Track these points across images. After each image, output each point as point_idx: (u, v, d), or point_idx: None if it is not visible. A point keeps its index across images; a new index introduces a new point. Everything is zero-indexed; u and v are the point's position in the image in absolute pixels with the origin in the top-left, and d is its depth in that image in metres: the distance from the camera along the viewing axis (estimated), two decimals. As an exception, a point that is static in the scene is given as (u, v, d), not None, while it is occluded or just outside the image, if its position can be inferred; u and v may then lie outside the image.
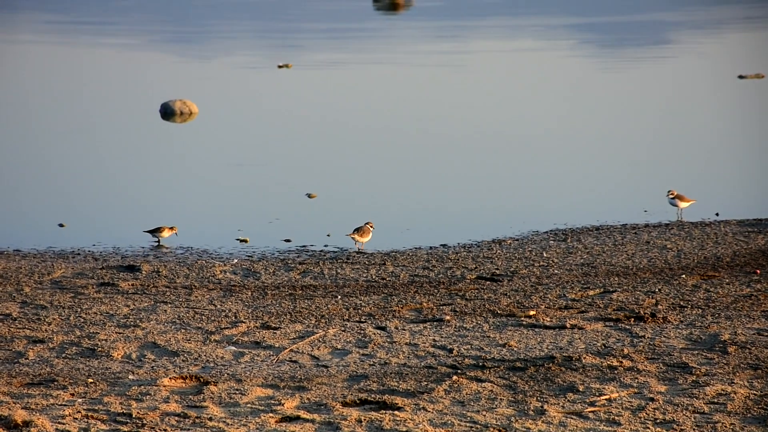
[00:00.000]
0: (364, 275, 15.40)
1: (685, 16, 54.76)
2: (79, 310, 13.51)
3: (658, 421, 10.02)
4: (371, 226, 17.03)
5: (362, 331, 12.64)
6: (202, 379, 10.96)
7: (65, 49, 42.60)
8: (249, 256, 16.50)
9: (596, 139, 25.88)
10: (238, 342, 12.31)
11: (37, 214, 19.02)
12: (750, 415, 10.15)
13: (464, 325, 12.89)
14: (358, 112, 29.54)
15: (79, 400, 10.41)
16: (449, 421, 9.97)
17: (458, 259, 16.19)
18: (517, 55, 41.30)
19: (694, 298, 13.95)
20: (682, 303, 13.76)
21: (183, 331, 12.71)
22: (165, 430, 9.72)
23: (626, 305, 13.68)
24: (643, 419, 10.05)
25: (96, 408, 10.18)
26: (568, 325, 12.81)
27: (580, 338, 12.38)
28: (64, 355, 11.86)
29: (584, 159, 23.68)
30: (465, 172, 22.22)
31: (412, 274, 15.44)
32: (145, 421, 9.88)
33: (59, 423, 9.80)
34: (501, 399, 10.53)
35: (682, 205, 18.80)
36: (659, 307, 13.60)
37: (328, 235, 17.69)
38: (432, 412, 10.19)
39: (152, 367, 11.47)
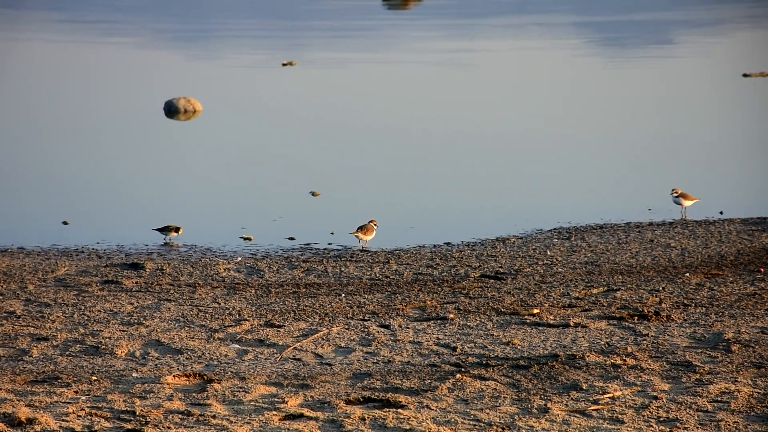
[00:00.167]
0: (368, 273, 15.40)
1: (689, 14, 54.71)
2: (82, 307, 13.52)
3: (661, 419, 10.02)
4: (375, 224, 17.03)
5: (366, 329, 12.65)
6: (205, 377, 10.97)
7: (70, 47, 42.62)
8: (253, 254, 16.50)
9: (600, 137, 25.87)
10: (242, 340, 12.32)
11: (40, 211, 19.04)
12: (753, 414, 10.15)
13: (468, 324, 12.89)
14: (363, 110, 29.54)
15: (83, 397, 10.41)
16: (453, 420, 9.97)
17: (462, 258, 16.19)
18: (521, 54, 41.28)
19: (697, 297, 13.94)
20: (685, 301, 13.75)
21: (187, 329, 12.72)
22: (168, 427, 9.73)
23: (630, 304, 13.67)
24: (646, 417, 10.05)
25: (100, 405, 10.18)
26: (571, 324, 12.81)
27: (583, 336, 12.37)
28: (67, 352, 11.87)
29: (588, 157, 23.67)
30: (469, 171, 22.21)
31: (415, 273, 15.44)
32: (148, 419, 9.89)
33: (63, 420, 9.81)
34: (504, 397, 10.53)
35: (686, 203, 18.79)
36: (663, 305, 13.59)
37: (332, 234, 17.69)
38: (435, 411, 10.19)
39: (156, 364, 11.48)
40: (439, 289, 14.51)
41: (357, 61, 38.48)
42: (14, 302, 13.71)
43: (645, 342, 12.11)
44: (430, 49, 41.46)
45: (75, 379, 10.94)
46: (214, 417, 9.97)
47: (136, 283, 14.74)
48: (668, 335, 12.37)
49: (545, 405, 10.31)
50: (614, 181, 21.43)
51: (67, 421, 9.78)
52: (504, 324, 12.89)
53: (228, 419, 9.93)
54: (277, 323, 12.90)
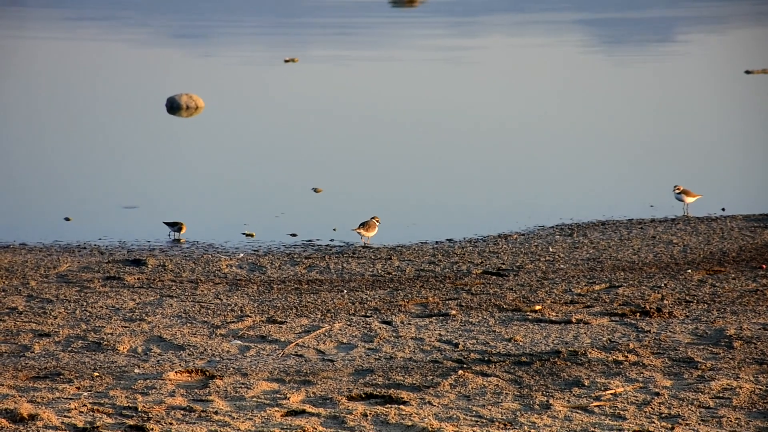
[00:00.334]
0: (370, 270, 15.40)
1: (691, 11, 54.67)
2: (84, 303, 13.52)
3: (663, 415, 10.01)
4: (377, 221, 17.02)
5: (368, 326, 12.65)
6: (207, 373, 10.97)
7: (72, 44, 42.62)
8: (255, 251, 16.50)
9: (603, 134, 25.85)
10: (244, 336, 12.32)
11: (43, 207, 19.04)
12: (755, 410, 10.14)
13: (470, 320, 12.89)
14: (365, 107, 29.53)
15: (85, 393, 10.41)
16: (455, 416, 9.97)
17: (464, 254, 16.19)
18: (524, 51, 41.26)
19: (699, 293, 13.94)
20: (687, 298, 13.75)
21: (189, 325, 12.72)
22: (171, 423, 9.72)
23: (632, 300, 13.67)
24: (648, 414, 10.05)
25: (102, 401, 10.18)
26: (573, 320, 12.81)
27: (585, 333, 12.37)
28: (69, 348, 11.87)
29: (590, 154, 23.65)
30: (471, 167, 22.21)
31: (417, 269, 15.44)
32: (150, 415, 9.89)
33: (65, 416, 9.81)
34: (506, 393, 10.53)
35: (688, 200, 18.78)
36: (665, 302, 13.58)
37: (334, 230, 17.69)
38: (437, 407, 10.19)
39: (158, 360, 11.48)
40: (441, 285, 14.50)
41: (360, 57, 38.47)
42: (16, 298, 13.71)
43: (647, 338, 12.11)
44: (434, 47, 41.44)
45: (77, 375, 10.94)
46: (216, 413, 9.97)
47: (138, 279, 14.74)
48: (670, 332, 12.36)
49: (547, 401, 10.31)
50: (616, 177, 21.42)
51: (69, 417, 9.78)
52: (506, 320, 12.89)
53: (230, 415, 9.93)
54: (279, 319, 12.90)
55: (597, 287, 14.30)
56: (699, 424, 9.84)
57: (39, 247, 16.57)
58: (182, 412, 9.98)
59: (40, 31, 46.37)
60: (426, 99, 30.50)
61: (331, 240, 17.26)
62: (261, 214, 18.72)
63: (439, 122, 26.95)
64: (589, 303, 13.57)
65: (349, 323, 12.76)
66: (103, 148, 23.88)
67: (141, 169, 21.92)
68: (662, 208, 19.05)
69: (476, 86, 32.91)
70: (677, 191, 18.76)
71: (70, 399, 10.24)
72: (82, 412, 9.92)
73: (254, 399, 10.31)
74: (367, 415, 9.92)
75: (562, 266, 15.47)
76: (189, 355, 11.68)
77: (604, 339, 12.14)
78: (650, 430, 9.68)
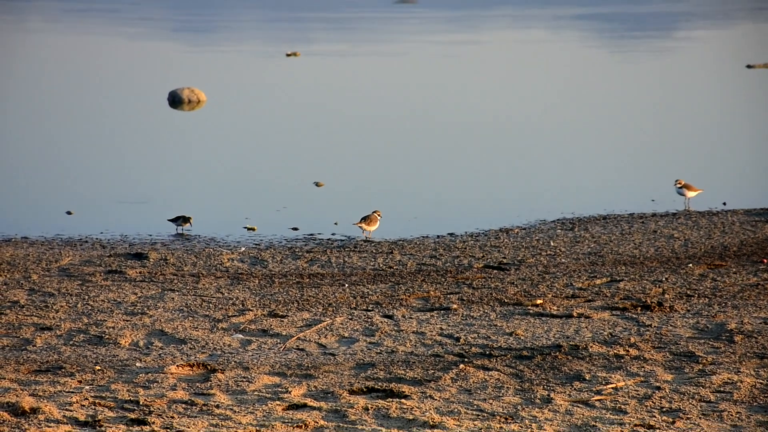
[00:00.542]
0: (372, 264, 15.40)
1: (693, 6, 54.60)
2: (86, 297, 13.52)
3: (664, 409, 10.01)
4: (379, 215, 17.02)
5: (369, 320, 12.65)
6: (209, 367, 10.97)
7: (75, 37, 42.58)
8: (256, 245, 16.50)
9: (604, 128, 25.83)
10: (246, 330, 12.32)
11: (44, 201, 19.04)
12: (756, 404, 10.14)
13: (471, 314, 12.89)
14: (366, 101, 29.51)
15: (87, 387, 10.41)
16: (456, 410, 9.97)
17: (465, 248, 16.18)
18: (526, 45, 41.21)
19: (700, 288, 13.94)
20: (688, 292, 13.74)
21: (190, 318, 12.72)
22: (172, 417, 9.72)
23: (633, 294, 13.66)
24: (649, 408, 10.05)
25: (103, 395, 10.18)
26: (574, 314, 12.81)
27: (586, 327, 12.37)
28: (71, 342, 11.87)
29: (592, 148, 23.64)
30: (472, 161, 22.20)
31: (419, 263, 15.44)
32: (152, 409, 9.89)
33: (66, 410, 9.80)
34: (508, 387, 10.53)
35: (690, 194, 18.77)
36: (666, 296, 13.58)
37: (336, 224, 17.69)
38: (439, 401, 10.19)
39: (159, 354, 11.48)
40: (443, 279, 14.50)
41: (361, 52, 38.43)
42: (18, 292, 13.71)
43: (648, 332, 12.11)
44: (436, 41, 41.40)
45: (79, 368, 10.94)
46: (217, 407, 9.97)
47: (140, 273, 14.74)
48: (671, 326, 12.36)
49: (548, 395, 10.31)
50: (618, 172, 21.41)
51: (71, 411, 9.77)
52: (507, 314, 12.89)
53: (231, 409, 9.93)
54: (281, 313, 12.90)
55: (598, 281, 14.30)
56: (700, 418, 9.84)
57: (41, 241, 16.57)
58: (184, 405, 9.98)
59: (40, 23, 46.33)
60: (428, 93, 30.47)
61: (332, 234, 17.26)
62: (262, 208, 18.72)
63: (440, 116, 26.94)
64: (590, 297, 13.57)
65: (350, 317, 12.76)
66: (105, 142, 23.87)
67: (143, 163, 21.92)
68: (663, 202, 19.04)
69: (478, 81, 32.88)
70: (678, 186, 18.75)
71: (72, 392, 10.24)
72: (84, 405, 9.92)
73: (255, 393, 10.31)
74: (368, 409, 9.92)
75: (563, 260, 15.47)
76: (190, 348, 11.68)
77: (606, 333, 12.14)
78: (651, 424, 9.67)
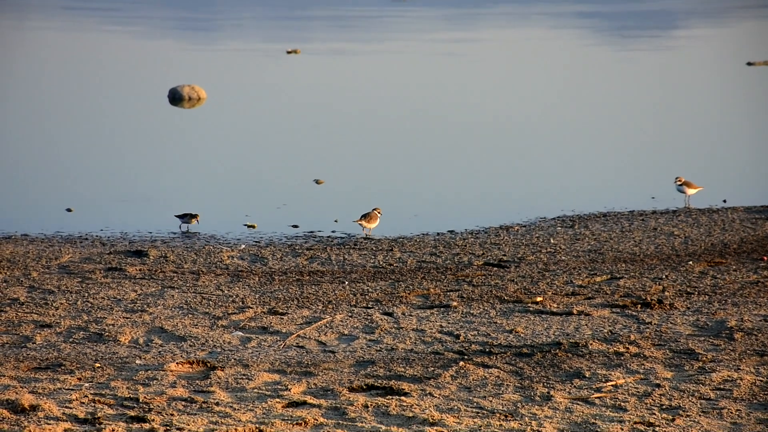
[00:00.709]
0: (372, 261, 15.38)
1: (693, 3, 54.56)
2: (86, 294, 13.51)
3: (664, 407, 10.00)
4: (379, 212, 17.00)
5: (369, 317, 12.63)
6: (209, 364, 10.95)
7: (75, 34, 42.56)
8: (256, 242, 16.48)
9: (604, 125, 25.81)
10: (245, 327, 12.31)
11: (44, 198, 19.02)
12: (756, 401, 10.13)
13: (471, 311, 12.87)
14: (366, 99, 29.48)
15: (86, 384, 10.40)
16: (456, 407, 9.95)
17: (465, 246, 16.17)
18: (525, 42, 41.19)
19: (701, 285, 13.92)
20: (689, 289, 13.73)
21: (190, 316, 12.71)
22: (172, 414, 9.71)
23: (633, 292, 13.65)
24: (649, 405, 10.03)
25: (103, 392, 10.16)
26: (574, 312, 12.79)
27: (586, 324, 12.36)
28: (71, 339, 11.86)
29: (592, 146, 23.63)
30: (473, 159, 22.18)
31: (419, 260, 15.42)
32: (152, 406, 9.87)
33: (66, 407, 9.79)
34: (507, 385, 10.52)
35: (690, 191, 18.75)
36: (666, 293, 13.57)
37: (336, 221, 17.67)
38: (438, 398, 10.18)
39: (159, 352, 11.47)
40: (443, 276, 14.49)
41: (361, 49, 38.41)
42: (18, 289, 13.70)
43: (648, 330, 12.09)
44: (436, 39, 41.37)
45: (78, 366, 10.92)
46: (217, 404, 9.95)
47: (140, 270, 14.72)
48: (671, 323, 12.35)
49: (548, 393, 10.29)
50: (618, 169, 21.40)
51: (71, 408, 9.76)
52: (507, 312, 12.88)
53: (231, 406, 9.91)
54: (281, 311, 12.89)
55: (598, 279, 14.29)
56: (700, 415, 9.82)
57: (41, 238, 16.55)
58: (183, 403, 9.97)
59: (40, 21, 46.30)
60: (428, 91, 30.45)
61: (332, 231, 17.24)
62: (262, 206, 18.70)
63: (440, 114, 26.92)
64: (590, 294, 13.56)
65: (350, 315, 12.75)
66: (105, 140, 23.86)
67: (143, 161, 21.90)
68: (664, 199, 19.02)
69: (478, 78, 32.86)
70: (679, 183, 18.73)
71: (72, 390, 10.22)
72: (84, 403, 9.91)
73: (255, 390, 10.30)
74: (368, 407, 9.91)
75: (563, 258, 15.46)
76: (190, 346, 11.67)
77: (605, 330, 12.12)
78: (651, 421, 9.66)
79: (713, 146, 23.57)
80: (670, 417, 9.78)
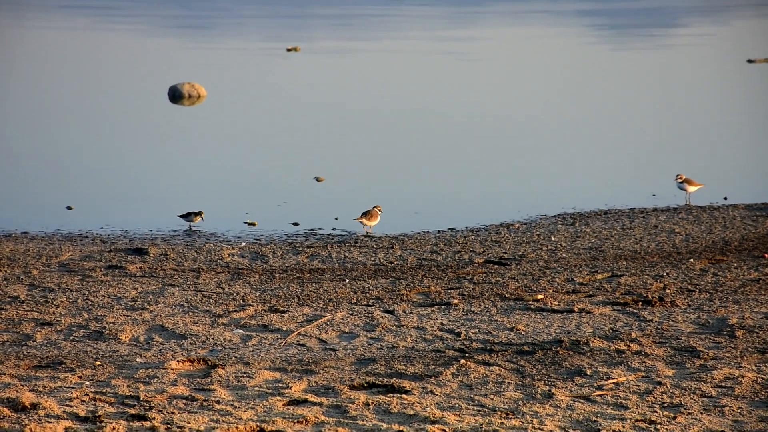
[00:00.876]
0: (372, 259, 15.36)
1: (694, 1, 54.52)
2: (86, 292, 13.49)
3: (665, 404, 9.98)
4: (379, 210, 16.98)
5: (370, 315, 12.61)
6: (209, 362, 10.93)
7: (75, 33, 42.52)
8: (257, 240, 16.46)
9: (605, 123, 25.80)
10: (246, 325, 12.28)
11: (45, 196, 19.00)
12: (758, 399, 10.11)
13: (472, 309, 12.86)
14: (367, 96, 29.46)
15: (87, 382, 10.38)
16: (457, 405, 9.93)
17: (466, 243, 16.15)
18: (526, 40, 41.16)
19: (702, 282, 13.90)
20: (690, 287, 13.71)
21: (191, 314, 12.69)
22: (172, 413, 9.69)
23: (634, 289, 13.63)
24: (650, 403, 10.01)
25: (104, 391, 10.14)
26: (575, 309, 12.77)
27: (587, 322, 12.34)
28: (71, 337, 11.84)
29: (593, 143, 23.61)
30: (473, 156, 22.16)
31: (420, 258, 15.40)
32: (152, 404, 9.85)
33: (67, 405, 9.77)
34: (509, 383, 10.50)
35: (691, 189, 18.73)
36: (667, 291, 13.55)
37: (336, 219, 17.65)
38: (440, 396, 10.16)
39: (160, 350, 11.45)
40: (444, 274, 14.47)
41: (362, 46, 38.37)
42: (18, 287, 13.68)
43: (649, 327, 12.07)
44: (436, 37, 41.34)
45: (79, 364, 10.90)
46: (218, 402, 9.93)
47: (140, 268, 14.70)
48: (672, 321, 12.33)
49: (549, 390, 10.27)
50: (618, 166, 21.38)
51: (71, 407, 9.73)
52: (508, 309, 12.85)
53: (232, 404, 9.89)
54: (281, 308, 12.87)
55: (599, 276, 14.27)
56: (701, 413, 9.81)
57: (41, 236, 16.53)
58: (184, 401, 9.94)
59: (42, 20, 46.26)
60: (428, 89, 30.43)
61: (333, 229, 17.22)
62: (263, 203, 18.68)
63: (440, 112, 26.89)
64: (591, 292, 13.54)
65: (351, 312, 12.73)
66: (105, 137, 23.83)
67: (143, 159, 21.88)
68: (664, 197, 19.00)
69: (478, 76, 32.84)
70: (679, 180, 18.71)
71: (72, 388, 10.20)
72: (84, 401, 9.88)
73: (256, 388, 10.28)
74: (369, 405, 9.89)
75: (564, 255, 15.44)
76: (191, 344, 11.65)
77: (606, 328, 12.11)
78: (653, 419, 9.64)
79: (714, 143, 23.55)
80: (672, 415, 9.76)
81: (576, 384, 10.44)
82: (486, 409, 9.85)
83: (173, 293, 13.50)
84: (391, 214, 17.68)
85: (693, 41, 40.03)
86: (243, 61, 35.19)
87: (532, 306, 12.98)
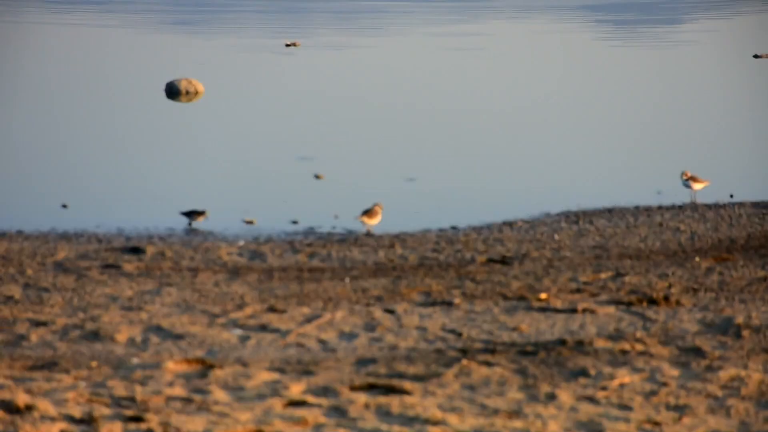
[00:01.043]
0: (373, 258, 15.25)
1: (697, -4, 54.44)
2: (82, 292, 13.39)
3: (670, 405, 9.92)
4: (380, 208, 16.85)
5: (370, 315, 12.52)
6: (207, 363, 10.85)
7: (70, 28, 42.48)
8: (255, 238, 16.35)
9: (609, 119, 25.74)
10: (244, 325, 12.19)
11: (39, 194, 18.92)
12: (764, 400, 10.06)
13: (474, 309, 12.76)
14: (367, 92, 29.40)
15: (83, 383, 10.30)
16: (458, 406, 9.84)
17: (468, 242, 16.04)
18: (529, 35, 41.13)
19: (707, 281, 13.82)
20: (695, 286, 13.62)
21: (188, 314, 12.59)
22: (169, 414, 9.60)
23: (639, 288, 13.54)
24: (655, 404, 9.95)
25: (99, 392, 10.07)
26: (579, 309, 12.68)
27: (591, 322, 12.25)
28: (67, 338, 11.75)
29: (597, 140, 23.55)
30: (475, 153, 22.10)
31: (421, 257, 15.30)
32: (149, 405, 9.77)
33: (62, 407, 9.70)
34: (511, 383, 10.40)
35: (696, 186, 18.64)
36: (672, 290, 13.46)
37: (336, 217, 17.54)
38: (441, 397, 10.07)
39: (156, 350, 11.36)
40: (445, 273, 14.36)
41: (362, 42, 38.33)
42: (12, 286, 13.59)
43: (654, 327, 11.99)
44: (438, 32, 41.30)
45: (74, 365, 10.82)
46: (215, 403, 9.86)
47: (137, 267, 14.59)
48: (677, 320, 12.24)
49: (553, 391, 10.19)
50: (623, 163, 21.31)
51: (66, 408, 9.68)
52: (511, 309, 12.75)
53: (230, 406, 9.81)
54: (280, 308, 12.77)
55: (603, 275, 14.17)
56: (707, 414, 9.74)
57: (36, 235, 16.42)
58: (181, 402, 9.87)
59: (37, 15, 46.21)
60: (429, 84, 30.37)
61: (332, 227, 17.10)
62: (261, 201, 18.59)
63: (441, 108, 26.83)
64: (595, 291, 13.44)
65: (351, 312, 12.62)
66: (101, 134, 23.76)
67: (139, 156, 21.80)
68: (669, 194, 18.91)
69: (480, 70, 32.78)
70: (685, 178, 18.63)
71: (68, 389, 10.13)
72: (80, 402, 9.82)
73: (254, 389, 10.19)
74: (369, 406, 9.80)
75: (567, 254, 15.34)
76: (188, 344, 11.56)
77: (611, 328, 12.02)
78: (657, 420, 9.58)
79: (720, 140, 23.47)
80: (677, 416, 9.70)
81: (580, 385, 10.35)
82: (488, 410, 9.77)
83: (170, 293, 13.40)
84: (392, 212, 17.55)
85: (698, 36, 39.98)
86: (241, 56, 35.12)
87: (535, 305, 12.88)
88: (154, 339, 11.72)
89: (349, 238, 16.36)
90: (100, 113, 25.97)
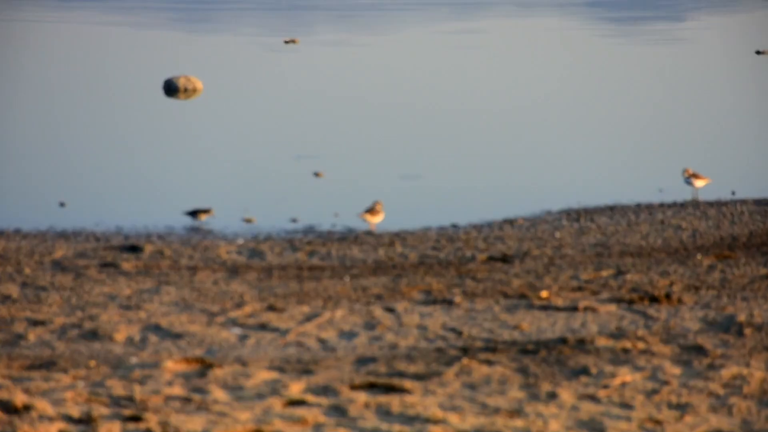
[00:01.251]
0: (373, 256, 15.22)
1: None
2: (80, 291, 13.35)
3: (672, 404, 9.89)
4: (380, 206, 16.82)
5: (370, 313, 12.48)
6: (206, 362, 10.81)
7: (68, 25, 42.46)
8: (254, 236, 16.31)
9: (611, 116, 25.72)
10: (243, 324, 12.16)
11: (37, 192, 18.89)
12: (766, 398, 10.03)
13: (475, 307, 12.73)
14: (366, 89, 29.38)
15: (81, 383, 10.27)
16: (459, 405, 9.81)
17: (469, 240, 16.01)
18: (531, 32, 41.12)
19: (709, 279, 13.79)
20: (697, 284, 13.59)
21: (187, 312, 12.55)
22: (168, 413, 9.57)
23: (640, 286, 13.50)
24: (657, 402, 9.92)
25: (98, 391, 10.04)
26: (580, 307, 12.65)
27: (593, 320, 12.22)
28: (65, 337, 11.71)
29: (598, 137, 23.54)
30: (475, 151, 22.08)
31: (421, 255, 15.27)
32: (148, 405, 9.74)
33: (60, 406, 9.67)
34: (512, 382, 10.37)
35: (698, 183, 18.62)
36: (674, 288, 13.43)
37: (336, 215, 17.51)
38: (442, 396, 10.04)
39: (155, 349, 11.33)
40: (445, 271, 14.33)
41: (361, 39, 38.30)
42: (10, 285, 13.56)
43: (655, 325, 11.96)
44: (438, 29, 41.29)
45: (72, 364, 10.79)
46: (215, 403, 9.82)
47: (135, 266, 14.55)
48: (679, 318, 12.21)
49: (554, 390, 10.15)
50: (624, 161, 21.30)
51: (65, 408, 9.65)
52: (511, 307, 12.72)
53: (229, 405, 9.78)
54: (280, 307, 12.73)
55: (604, 273, 14.14)
56: (709, 412, 9.72)
57: (33, 233, 16.38)
58: (180, 401, 9.84)
59: (34, 12, 46.19)
60: (429, 81, 30.35)
61: (332, 226, 17.07)
62: (261, 199, 18.56)
63: (441, 105, 26.80)
64: (596, 289, 13.41)
65: (350, 311, 12.59)
66: (99, 131, 23.73)
67: (138, 153, 21.78)
68: (671, 192, 18.88)
69: (481, 68, 32.76)
70: (686, 175, 18.62)
71: (66, 389, 10.10)
72: (78, 402, 9.80)
73: (254, 388, 10.16)
74: (369, 405, 9.77)
75: (568, 252, 15.31)
76: (187, 343, 11.53)
77: (612, 326, 11.99)
78: (659, 419, 9.55)
79: (722, 137, 23.45)
80: (679, 414, 9.67)
81: (581, 383, 10.32)
82: (489, 409, 9.75)
83: (169, 291, 13.36)
84: (392, 210, 17.51)
85: (700, 32, 39.96)
86: (240, 53, 35.09)
87: (535, 304, 12.85)
88: (153, 338, 11.68)
89: (349, 237, 16.31)
90: (98, 111, 25.94)
